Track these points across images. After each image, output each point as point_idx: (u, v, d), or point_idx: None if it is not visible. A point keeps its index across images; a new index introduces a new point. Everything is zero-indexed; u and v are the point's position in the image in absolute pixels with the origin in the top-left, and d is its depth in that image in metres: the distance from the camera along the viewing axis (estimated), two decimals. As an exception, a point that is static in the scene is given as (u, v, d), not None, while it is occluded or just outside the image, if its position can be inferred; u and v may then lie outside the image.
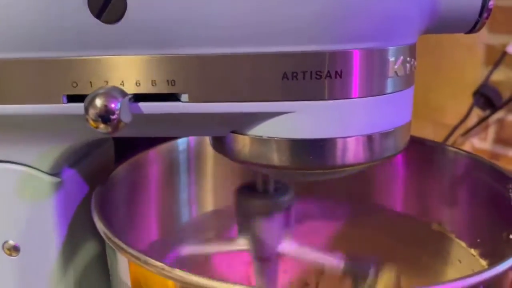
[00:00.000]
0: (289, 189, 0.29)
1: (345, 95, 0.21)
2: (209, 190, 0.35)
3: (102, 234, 0.22)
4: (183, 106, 0.21)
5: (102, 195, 0.26)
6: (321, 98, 0.21)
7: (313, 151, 0.21)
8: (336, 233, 0.36)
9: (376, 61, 0.21)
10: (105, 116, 0.19)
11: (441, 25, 0.22)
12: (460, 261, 0.31)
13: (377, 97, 0.21)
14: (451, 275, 0.31)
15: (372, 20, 0.20)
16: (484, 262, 0.29)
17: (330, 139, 0.21)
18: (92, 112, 0.19)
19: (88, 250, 0.28)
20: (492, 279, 0.19)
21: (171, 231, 0.33)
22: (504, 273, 0.19)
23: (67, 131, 0.24)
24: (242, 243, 0.35)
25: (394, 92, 0.22)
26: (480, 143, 0.73)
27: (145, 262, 0.20)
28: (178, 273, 0.19)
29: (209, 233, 0.35)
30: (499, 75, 0.67)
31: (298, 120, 0.21)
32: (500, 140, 0.71)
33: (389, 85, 0.22)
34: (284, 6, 0.19)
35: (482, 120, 0.70)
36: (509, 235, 0.26)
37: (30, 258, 0.26)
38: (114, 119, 0.19)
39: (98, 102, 0.19)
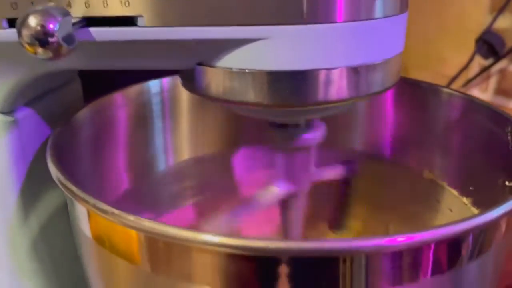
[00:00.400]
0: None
1: (327, 19, 0.18)
2: (186, 136, 0.33)
3: (56, 180, 0.20)
4: (139, 31, 0.18)
5: (61, 139, 0.23)
6: (299, 21, 0.18)
7: (291, 85, 0.19)
8: (322, 182, 0.34)
9: (363, -22, 0.18)
10: (42, 38, 0.16)
11: None
12: (451, 210, 0.29)
13: (364, 22, 0.19)
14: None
15: None
16: (476, 211, 0.27)
17: (311, 71, 0.19)
18: (26, 33, 0.16)
19: (53, 197, 0.26)
20: (482, 226, 0.17)
21: (145, 180, 0.31)
22: (496, 221, 0.17)
23: (13, 62, 0.21)
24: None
25: (385, 18, 0.19)
26: (480, 94, 0.70)
27: (103, 210, 0.18)
28: (142, 221, 0.17)
29: (188, 182, 0.33)
30: (504, 22, 0.64)
31: (272, 48, 0.18)
32: (501, 91, 0.69)
33: (379, 9, 0.19)
34: None
35: (484, 69, 0.67)
36: (505, 182, 0.24)
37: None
38: (53, 42, 0.16)
39: (33, 21, 0.16)
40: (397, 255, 0.16)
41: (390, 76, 0.21)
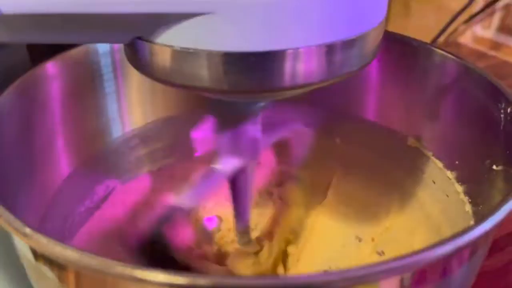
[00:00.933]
0: None
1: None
2: (142, 99, 0.29)
3: None
4: (59, 3, 0.15)
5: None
6: (255, -8, 0.14)
7: (246, 68, 0.16)
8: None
9: None
10: None
11: None
12: (434, 182, 0.27)
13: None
14: (423, 196, 0.28)
15: None
16: (459, 188, 0.25)
17: (272, 53, 0.16)
18: None
19: None
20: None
21: (100, 151, 0.28)
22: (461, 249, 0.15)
23: None
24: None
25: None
26: (482, 31, 0.66)
27: (20, 232, 0.15)
28: (54, 246, 0.14)
29: (150, 147, 0.30)
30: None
31: (222, 24, 0.15)
32: (504, 28, 0.64)
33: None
34: None
35: (489, 4, 0.62)
36: (492, 165, 0.22)
37: None
38: None
39: None
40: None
41: (369, 50, 0.18)
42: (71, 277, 0.15)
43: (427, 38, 0.64)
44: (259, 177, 0.35)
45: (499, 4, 0.61)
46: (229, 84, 0.16)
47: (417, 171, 0.28)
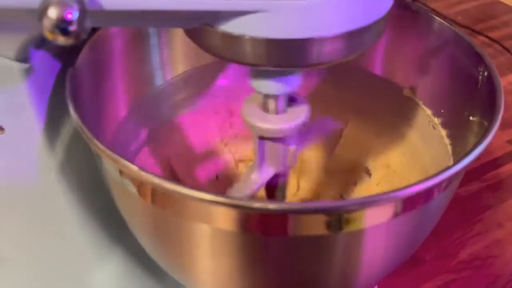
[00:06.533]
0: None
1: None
2: (181, 49, 0.34)
3: (79, 129, 0.23)
4: (145, 1, 0.19)
5: (73, 78, 0.25)
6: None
7: (288, 50, 0.21)
8: (310, 90, 0.37)
9: None
10: (62, 27, 0.17)
11: None
12: (423, 127, 0.33)
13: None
14: (414, 138, 0.34)
15: None
16: (443, 132, 0.31)
17: (307, 40, 0.20)
18: (46, 24, 0.17)
19: (71, 123, 0.29)
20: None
21: (146, 97, 0.33)
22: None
23: (29, 22, 0.22)
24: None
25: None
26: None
27: (119, 163, 0.21)
28: (140, 174, 0.20)
29: (188, 91, 0.36)
30: None
31: (272, 18, 0.20)
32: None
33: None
34: None
35: None
36: (469, 116, 0.27)
37: (16, 136, 0.27)
38: (73, 31, 0.17)
39: (52, 12, 0.17)
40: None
41: (381, 30, 0.23)
42: (148, 191, 0.22)
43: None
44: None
45: None
46: (271, 61, 0.21)
47: (410, 117, 0.34)
